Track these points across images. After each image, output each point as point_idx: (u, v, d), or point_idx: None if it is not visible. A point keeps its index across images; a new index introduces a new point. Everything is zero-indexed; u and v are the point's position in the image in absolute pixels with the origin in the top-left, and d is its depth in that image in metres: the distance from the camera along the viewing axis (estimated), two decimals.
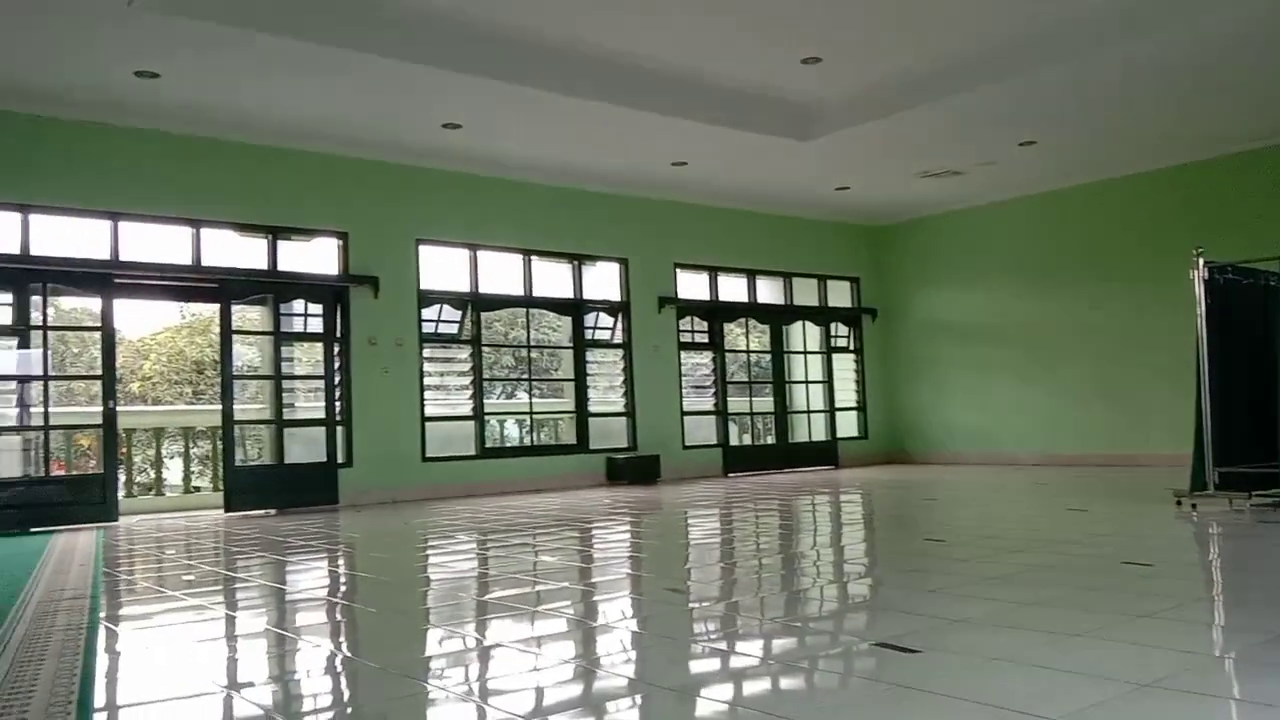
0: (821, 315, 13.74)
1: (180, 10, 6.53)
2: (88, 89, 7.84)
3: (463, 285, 10.59)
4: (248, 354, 11.60)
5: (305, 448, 9.42)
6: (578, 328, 11.50)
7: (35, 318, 8.27)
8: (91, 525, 8.06)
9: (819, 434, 13.60)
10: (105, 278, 8.49)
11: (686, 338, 12.37)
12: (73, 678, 2.74)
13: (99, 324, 8.79)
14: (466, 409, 10.56)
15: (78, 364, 14.18)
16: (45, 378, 8.37)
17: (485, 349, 10.93)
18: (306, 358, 9.97)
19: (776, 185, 11.84)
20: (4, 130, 8.03)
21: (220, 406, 9.21)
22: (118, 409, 8.61)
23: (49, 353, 8.49)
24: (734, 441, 12.81)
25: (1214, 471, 6.23)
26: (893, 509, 7.71)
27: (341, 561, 5.73)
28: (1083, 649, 2.76)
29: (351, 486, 9.45)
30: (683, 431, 12.08)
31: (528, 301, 11.24)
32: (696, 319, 12.54)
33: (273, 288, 9.34)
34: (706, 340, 12.63)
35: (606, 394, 11.75)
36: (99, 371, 8.84)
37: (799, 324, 13.61)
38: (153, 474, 10.71)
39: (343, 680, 2.93)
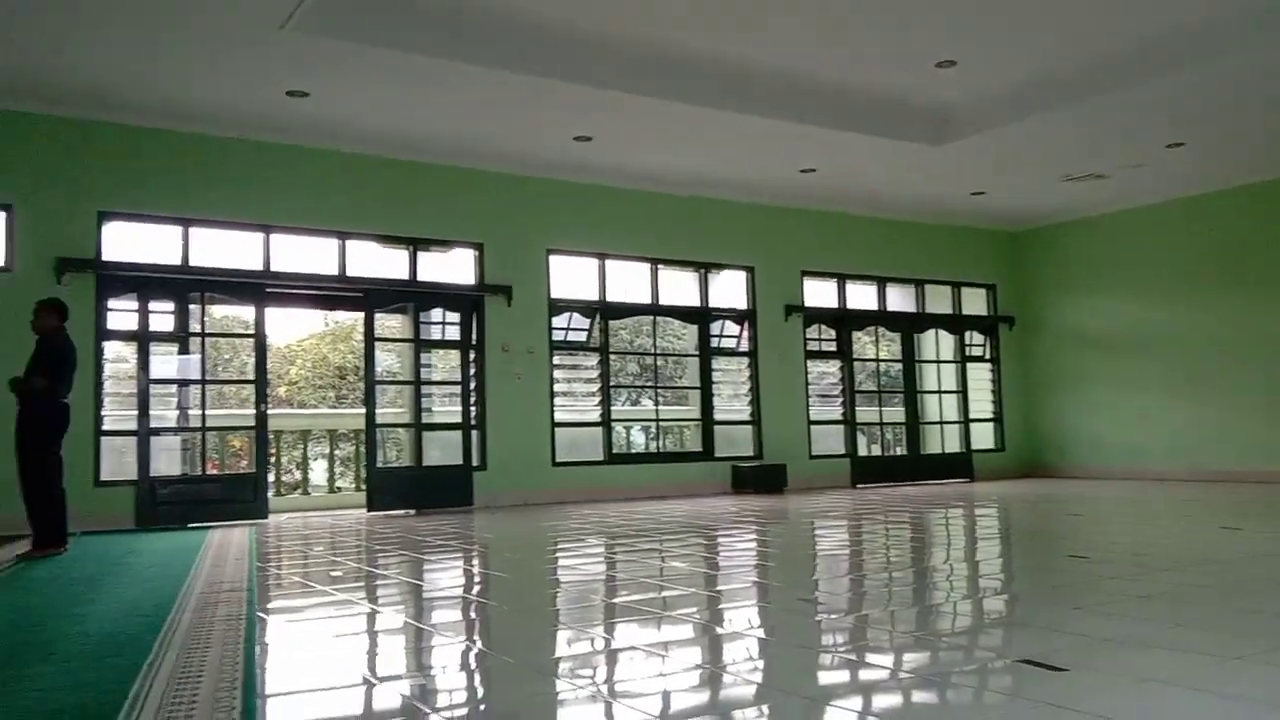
0: (956, 323, 13.38)
1: (328, 32, 6.86)
2: (242, 108, 8.32)
3: (591, 294, 10.76)
4: (387, 360, 12.06)
5: (442, 451, 9.74)
6: (703, 335, 11.52)
7: (194, 325, 8.82)
8: (244, 522, 8.51)
9: (952, 446, 13.23)
10: (258, 287, 8.98)
11: (814, 346, 12.23)
12: (236, 665, 2.91)
13: (251, 331, 9.31)
14: (594, 415, 10.72)
15: (229, 369, 14.98)
16: (203, 381, 8.90)
17: (612, 356, 11.07)
18: (442, 364, 10.31)
19: (908, 191, 11.61)
20: (166, 148, 8.58)
21: (363, 410, 9.62)
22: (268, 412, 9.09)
23: (206, 358, 9.03)
24: (862, 452, 12.59)
25: None
26: (1032, 524, 7.44)
27: (476, 561, 5.89)
28: (1248, 673, 2.61)
29: (485, 489, 9.71)
30: (809, 441, 11.94)
31: (654, 309, 11.33)
32: (824, 327, 12.39)
33: (413, 297, 9.70)
34: (834, 348, 12.46)
35: (731, 402, 11.73)
36: (251, 376, 9.36)
37: (931, 332, 13.28)
38: (299, 474, 11.24)
39: (477, 676, 3.02)
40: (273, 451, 10.78)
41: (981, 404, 13.52)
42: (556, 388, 10.46)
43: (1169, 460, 11.85)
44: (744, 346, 11.75)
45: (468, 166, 9.90)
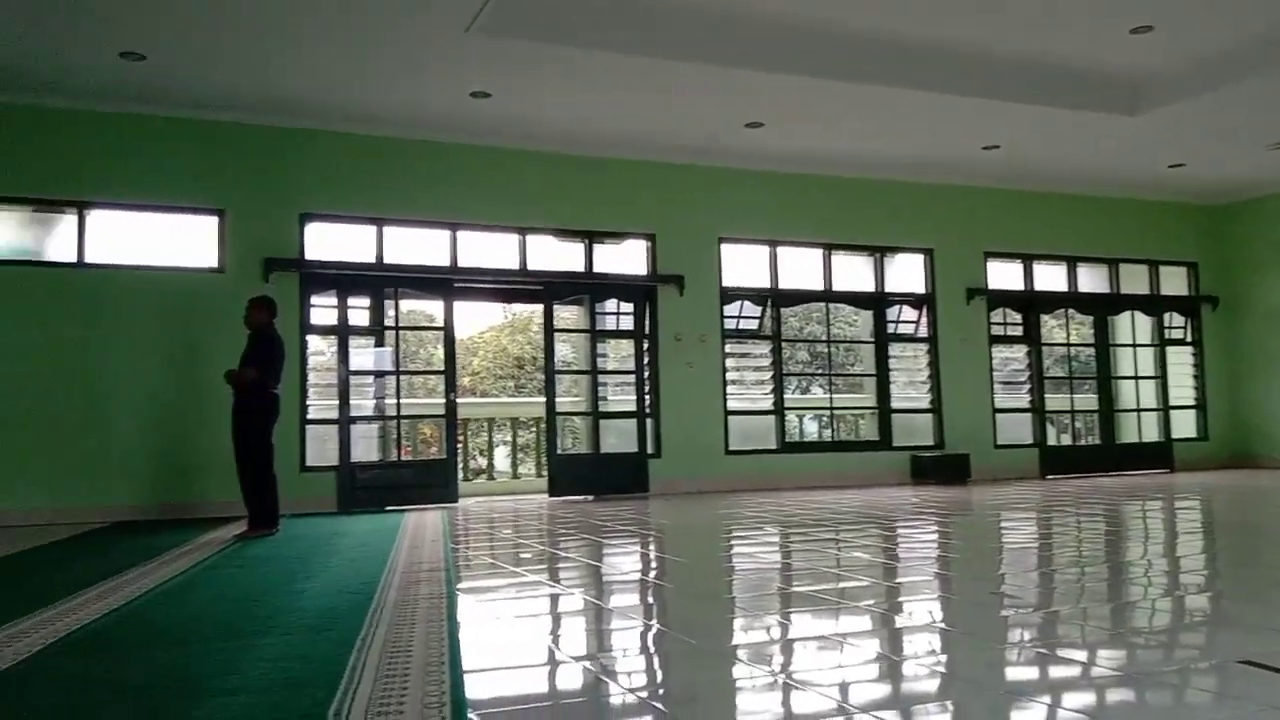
0: (1153, 305, 12.56)
1: (510, 32, 7.11)
2: (430, 111, 8.73)
3: (763, 281, 10.72)
4: (563, 350, 12.41)
5: (618, 438, 9.97)
6: (879, 321, 11.27)
7: (387, 319, 9.35)
8: (436, 506, 8.97)
9: (1150, 434, 12.45)
10: (446, 282, 9.43)
11: (998, 330, 11.75)
12: (441, 641, 3.11)
13: (440, 324, 9.78)
14: (766, 404, 10.69)
15: (416, 360, 15.75)
16: (397, 372, 9.42)
17: (783, 344, 11.00)
18: (616, 353, 10.53)
19: (1099, 165, 10.98)
20: (360, 152, 9.11)
21: (541, 399, 9.95)
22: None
23: (399, 350, 9.56)
24: (1051, 441, 12.02)
25: None
26: (1240, 517, 6.93)
27: (654, 546, 6.02)
28: None
29: (660, 476, 9.87)
30: (994, 430, 11.50)
31: (827, 296, 11.17)
32: (1009, 310, 11.88)
33: (589, 288, 9.95)
34: (1021, 333, 11.93)
35: (908, 389, 11.43)
36: (439, 367, 9.84)
37: (1127, 314, 12.52)
38: (483, 460, 11.73)
39: (657, 659, 3.10)
40: (460, 438, 11.30)
41: (1182, 390, 12.65)
42: (728, 376, 10.49)
43: None
44: (922, 332, 11.43)
45: (640, 158, 10.05)
